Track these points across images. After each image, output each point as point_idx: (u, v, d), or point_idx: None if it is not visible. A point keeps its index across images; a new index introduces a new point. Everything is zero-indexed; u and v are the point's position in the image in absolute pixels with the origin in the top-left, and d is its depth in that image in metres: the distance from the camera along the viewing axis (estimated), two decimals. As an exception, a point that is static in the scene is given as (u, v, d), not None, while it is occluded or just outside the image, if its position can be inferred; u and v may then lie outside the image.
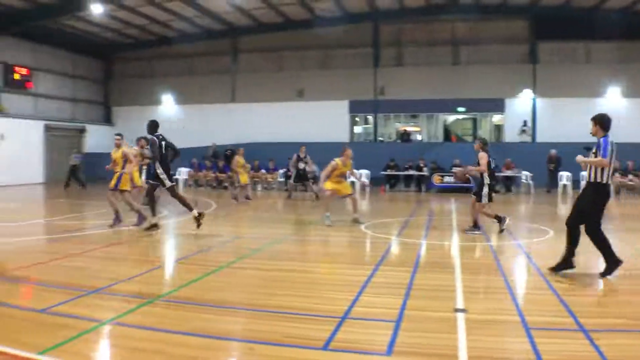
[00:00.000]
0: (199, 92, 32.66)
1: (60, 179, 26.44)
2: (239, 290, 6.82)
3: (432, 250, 9.89)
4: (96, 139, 33.12)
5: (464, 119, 31.79)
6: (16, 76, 28.37)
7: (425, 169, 24.80)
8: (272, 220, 14.62)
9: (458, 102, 28.86)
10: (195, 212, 11.49)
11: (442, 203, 18.70)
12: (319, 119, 29.71)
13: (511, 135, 28.04)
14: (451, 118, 31.77)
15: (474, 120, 31.11)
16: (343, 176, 13.12)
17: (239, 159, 18.75)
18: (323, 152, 22.80)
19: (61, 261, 8.47)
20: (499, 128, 30.13)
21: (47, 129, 30.01)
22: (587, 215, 7.23)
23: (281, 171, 25.26)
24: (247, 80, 32.03)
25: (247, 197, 18.65)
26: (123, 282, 6.98)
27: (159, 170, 11.59)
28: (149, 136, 11.98)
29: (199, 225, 11.43)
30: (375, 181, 25.30)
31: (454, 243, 10.42)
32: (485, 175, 11.35)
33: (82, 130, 33.04)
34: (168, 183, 11.70)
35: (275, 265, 8.24)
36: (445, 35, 29.08)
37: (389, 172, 25.67)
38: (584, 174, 7.52)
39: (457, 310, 5.73)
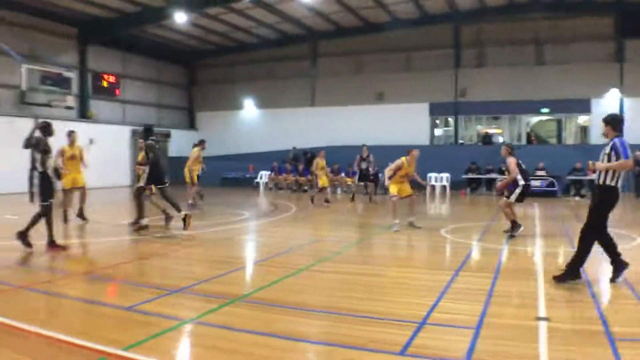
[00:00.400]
0: (279, 96, 33.21)
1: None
2: (319, 293, 6.85)
3: (513, 256, 9.63)
4: (179, 143, 34.18)
5: (548, 120, 30.78)
6: (104, 83, 29.83)
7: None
8: (351, 223, 14.64)
9: (542, 103, 27.98)
10: (143, 222, 12.12)
11: (524, 207, 18.19)
12: (398, 121, 29.56)
13: (598, 136, 26.90)
14: (534, 119, 30.86)
15: (559, 122, 30.08)
16: (407, 177, 12.92)
17: (319, 161, 18.75)
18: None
19: (146, 261, 8.81)
20: (584, 129, 29.01)
21: (134, 133, 31.20)
22: (591, 216, 7.09)
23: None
24: (327, 84, 32.28)
25: (327, 201, 18.60)
26: (205, 283, 7.16)
27: (149, 173, 12.14)
28: (149, 142, 12.62)
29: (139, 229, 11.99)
30: (456, 185, 24.95)
31: (537, 249, 10.13)
32: (519, 177, 11.48)
33: (167, 135, 34.14)
34: (142, 184, 12.34)
35: (354, 269, 8.25)
36: (527, 34, 28.23)
37: (470, 175, 25.25)
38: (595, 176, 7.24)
39: (538, 318, 5.55)
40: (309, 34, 31.57)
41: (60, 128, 12.80)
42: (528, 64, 28.25)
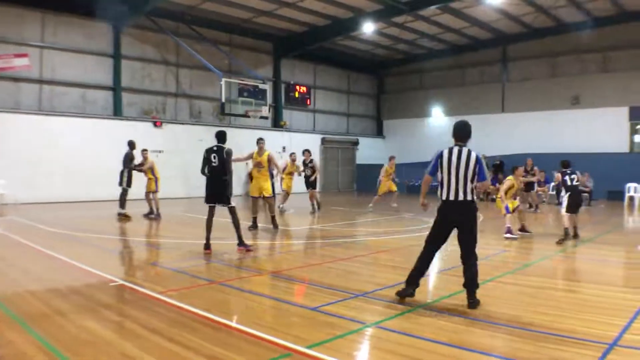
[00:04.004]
0: (468, 103, 32.37)
1: (332, 188, 28.11)
2: (504, 306, 6.54)
3: None
4: (367, 151, 34.90)
5: None
6: (296, 94, 31.48)
7: None
8: (542, 235, 13.87)
9: None
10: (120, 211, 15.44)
11: None
12: (594, 127, 27.40)
13: None
14: None
15: None
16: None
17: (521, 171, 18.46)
18: (597, 163, 21.14)
19: (332, 264, 9.03)
20: None
21: (323, 141, 32.41)
22: None
23: (552, 184, 23.94)
24: (517, 88, 31.02)
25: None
26: (389, 288, 7.16)
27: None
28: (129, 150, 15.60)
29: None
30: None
31: None
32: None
33: (355, 143, 35.02)
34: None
35: (543, 282, 7.78)
36: None
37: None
38: None
39: None
40: (499, 38, 30.56)
41: (257, 135, 13.59)
42: None
